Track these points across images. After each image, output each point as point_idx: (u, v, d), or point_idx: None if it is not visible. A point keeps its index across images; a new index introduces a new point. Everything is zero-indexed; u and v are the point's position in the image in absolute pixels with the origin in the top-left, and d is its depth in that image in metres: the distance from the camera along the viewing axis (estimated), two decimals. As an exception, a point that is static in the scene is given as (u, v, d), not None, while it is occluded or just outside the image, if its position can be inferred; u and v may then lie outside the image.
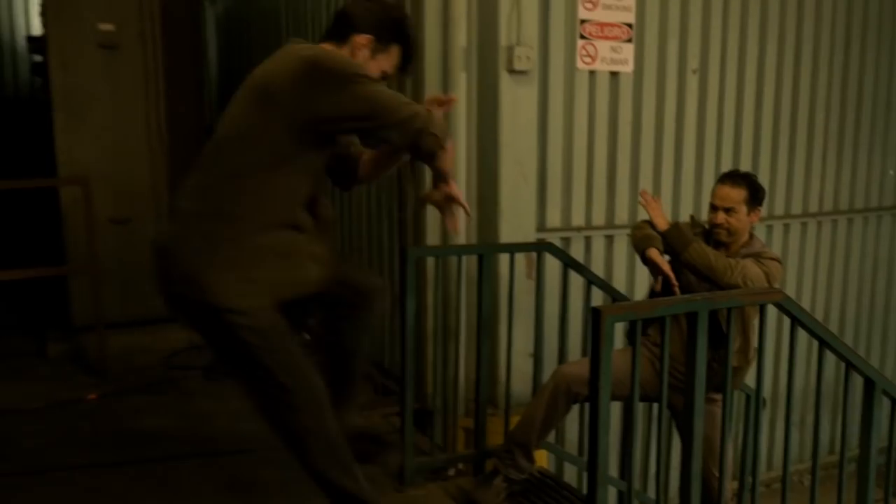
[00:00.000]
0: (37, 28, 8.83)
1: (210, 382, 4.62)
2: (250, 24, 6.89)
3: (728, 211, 3.13)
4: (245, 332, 2.22)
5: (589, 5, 4.04)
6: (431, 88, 3.80)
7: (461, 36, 3.74)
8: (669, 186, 4.46)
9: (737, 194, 3.12)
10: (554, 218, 4.12)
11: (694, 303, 2.19)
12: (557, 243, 3.78)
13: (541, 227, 4.05)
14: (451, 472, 3.51)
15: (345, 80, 2.13)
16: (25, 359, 5.00)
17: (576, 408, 3.47)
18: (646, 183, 4.34)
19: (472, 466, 3.50)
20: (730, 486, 3.00)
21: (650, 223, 3.23)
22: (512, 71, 3.71)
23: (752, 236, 3.24)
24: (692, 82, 4.43)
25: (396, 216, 4.22)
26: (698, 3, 4.37)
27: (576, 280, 3.73)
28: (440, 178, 2.29)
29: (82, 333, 5.09)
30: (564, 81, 4.03)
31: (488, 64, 3.74)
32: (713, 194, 3.20)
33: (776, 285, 3.08)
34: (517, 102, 3.77)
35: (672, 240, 3.11)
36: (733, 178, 3.20)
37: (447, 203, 2.32)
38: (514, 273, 3.44)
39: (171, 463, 3.52)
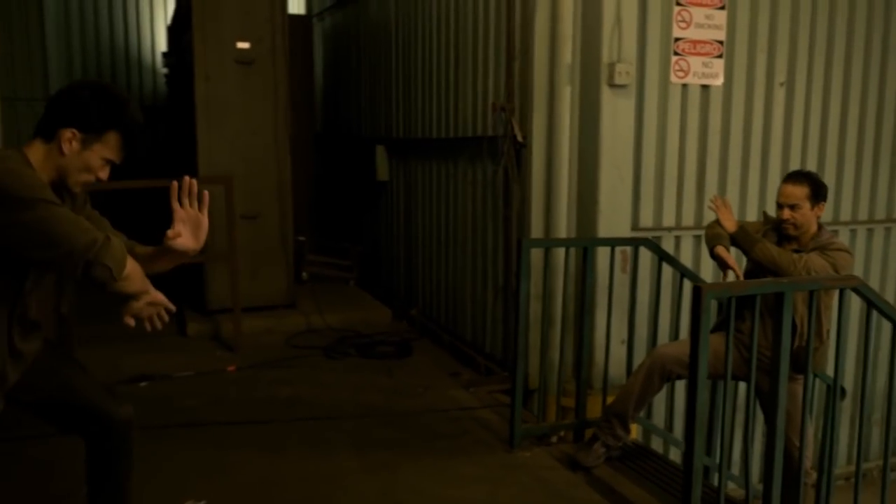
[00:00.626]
0: (162, 45, 9.71)
1: (330, 360, 5.20)
2: (358, 38, 7.48)
3: (793, 207, 3.41)
4: None
5: (683, 24, 4.42)
6: (540, 101, 4.27)
7: (567, 54, 4.19)
8: (756, 192, 4.78)
9: (800, 191, 3.41)
10: (647, 218, 4.51)
11: (781, 284, 2.57)
12: (650, 241, 4.17)
13: (634, 226, 4.45)
14: (554, 439, 3.95)
15: (16, 205, 1.99)
16: (169, 337, 5.67)
17: (664, 388, 3.86)
18: (733, 188, 4.68)
19: (573, 435, 3.93)
20: (810, 454, 3.33)
21: (720, 224, 3.59)
22: (612, 85, 4.12)
23: (820, 228, 3.49)
24: (779, 94, 4.74)
25: (502, 213, 4.69)
26: (786, 21, 4.69)
27: (666, 274, 4.12)
28: (130, 298, 2.18)
29: (216, 315, 5.75)
30: (659, 94, 4.42)
31: (591, 78, 4.17)
32: (779, 193, 3.51)
33: (844, 274, 3.33)
34: (616, 113, 4.18)
35: (740, 240, 3.47)
36: (796, 176, 3.50)
37: (148, 309, 2.23)
38: (613, 265, 3.86)
39: (307, 422, 4.08)
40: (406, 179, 6.38)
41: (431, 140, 5.75)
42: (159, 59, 9.79)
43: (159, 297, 2.25)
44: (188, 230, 2.27)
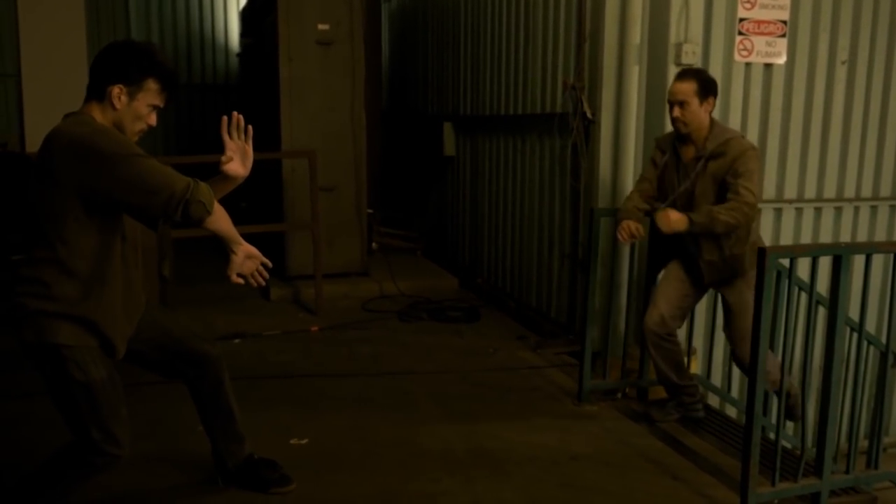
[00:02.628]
0: (233, 28, 10.14)
1: (404, 323, 5.56)
2: (426, 18, 7.77)
3: (682, 105, 3.47)
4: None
5: (748, 5, 4.60)
6: (609, 79, 4.51)
7: (636, 34, 4.42)
8: (815, 168, 4.95)
9: (687, 87, 3.48)
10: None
11: (839, 248, 2.81)
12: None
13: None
14: (619, 395, 4.24)
15: (115, 162, 2.28)
16: (253, 301, 6.12)
17: (723, 353, 4.12)
18: (793, 164, 4.85)
19: (636, 392, 4.22)
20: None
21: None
22: (679, 64, 4.33)
23: (713, 124, 3.54)
24: (841, 72, 4.89)
25: (570, 185, 4.96)
26: (850, 1, 4.83)
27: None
28: (227, 242, 2.44)
29: (296, 281, 6.17)
30: (723, 72, 4.61)
31: (658, 58, 4.39)
32: (668, 92, 3.61)
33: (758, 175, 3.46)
34: (681, 91, 4.40)
35: (696, 231, 3.45)
36: (683, 73, 3.57)
37: (248, 264, 2.49)
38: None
39: (389, 376, 4.45)
40: (472, 155, 6.67)
41: (499, 116, 6.02)
42: (231, 41, 10.23)
43: (253, 249, 2.50)
44: (238, 158, 2.53)
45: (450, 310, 5.82)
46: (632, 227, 3.65)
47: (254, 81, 7.86)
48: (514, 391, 4.27)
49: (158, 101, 2.49)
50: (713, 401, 4.33)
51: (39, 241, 2.41)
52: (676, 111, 3.52)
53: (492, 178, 6.27)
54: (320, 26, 5.97)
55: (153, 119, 2.51)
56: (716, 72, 4.57)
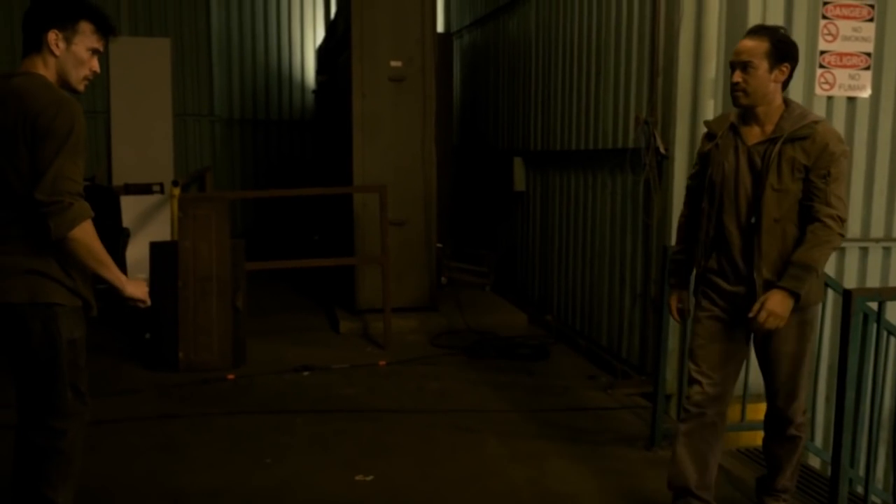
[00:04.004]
0: (310, 65, 10.43)
1: (472, 359, 5.52)
2: (497, 54, 7.82)
3: (745, 67, 2.73)
4: None
5: (829, 37, 4.46)
6: (682, 114, 4.43)
7: (711, 68, 4.33)
8: (904, 203, 4.73)
9: (755, 46, 2.72)
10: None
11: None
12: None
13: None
14: (693, 440, 4.07)
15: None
16: (323, 332, 6.19)
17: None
18: (879, 199, 4.64)
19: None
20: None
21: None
22: (756, 98, 4.23)
23: (787, 103, 2.81)
24: (930, 105, 4.67)
25: (642, 222, 4.86)
26: (940, 31, 4.62)
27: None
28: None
29: (365, 314, 6.21)
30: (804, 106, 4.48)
31: (734, 92, 4.29)
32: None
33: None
34: (759, 125, 4.28)
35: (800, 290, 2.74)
36: (755, 30, 2.82)
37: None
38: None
39: (455, 413, 4.40)
40: (543, 190, 6.63)
41: (571, 152, 5.98)
42: (308, 78, 10.52)
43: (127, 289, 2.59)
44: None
45: (519, 347, 5.75)
46: (674, 305, 3.17)
47: (328, 117, 8.05)
48: (584, 433, 4.16)
49: (97, 44, 2.51)
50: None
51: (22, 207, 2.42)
52: (738, 75, 2.75)
53: (562, 214, 6.21)
54: (393, 63, 6.08)
55: (95, 64, 2.53)
56: (796, 106, 4.43)
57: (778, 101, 2.80)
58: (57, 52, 2.46)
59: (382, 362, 5.38)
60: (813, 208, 2.72)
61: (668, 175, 4.58)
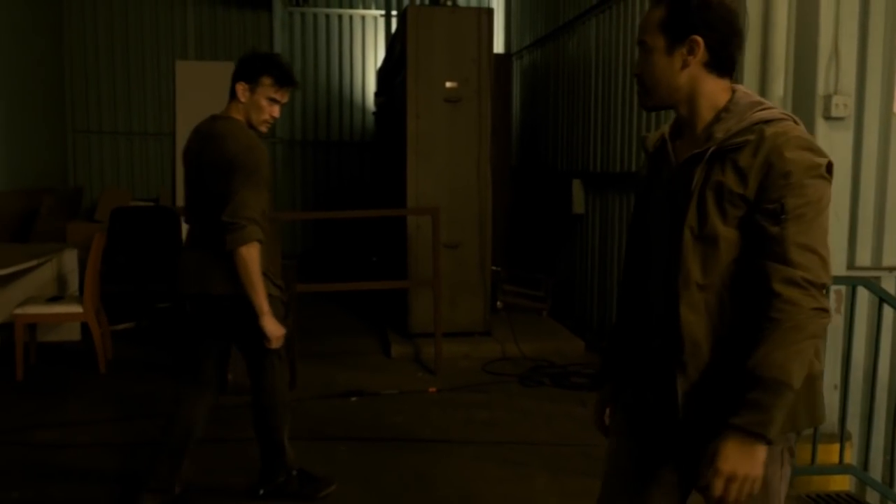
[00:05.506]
0: (370, 86, 10.47)
1: (525, 388, 5.33)
2: (557, 74, 7.67)
3: (642, 51, 1.79)
4: None
5: (910, 52, 4.16)
6: (747, 134, 4.19)
7: (779, 86, 4.09)
8: None
9: (648, 18, 1.77)
10: (864, 257, 4.25)
11: None
12: (869, 281, 3.93)
13: (850, 264, 4.21)
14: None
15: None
16: (374, 356, 6.10)
17: (883, 439, 3.61)
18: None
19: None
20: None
21: None
22: (828, 117, 3.97)
23: (735, 98, 1.74)
24: None
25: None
26: None
27: (887, 317, 3.87)
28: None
29: (417, 339, 6.10)
30: (879, 126, 4.18)
31: (804, 111, 4.03)
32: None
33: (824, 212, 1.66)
34: (832, 146, 4.00)
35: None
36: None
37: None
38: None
39: (504, 446, 4.23)
40: (602, 212, 6.42)
41: (630, 173, 5.77)
42: (368, 100, 10.56)
43: (273, 330, 3.17)
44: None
45: (574, 375, 5.54)
46: (597, 416, 2.16)
47: (386, 138, 8.02)
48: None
49: (274, 95, 3.08)
50: (872, 498, 3.81)
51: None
52: (638, 67, 1.84)
53: (621, 238, 5.99)
54: (448, 84, 5.99)
55: (275, 110, 3.12)
56: (871, 125, 4.17)
57: (708, 93, 1.73)
58: (243, 100, 3.09)
59: (433, 389, 5.24)
60: (764, 270, 1.61)
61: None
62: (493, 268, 6.87)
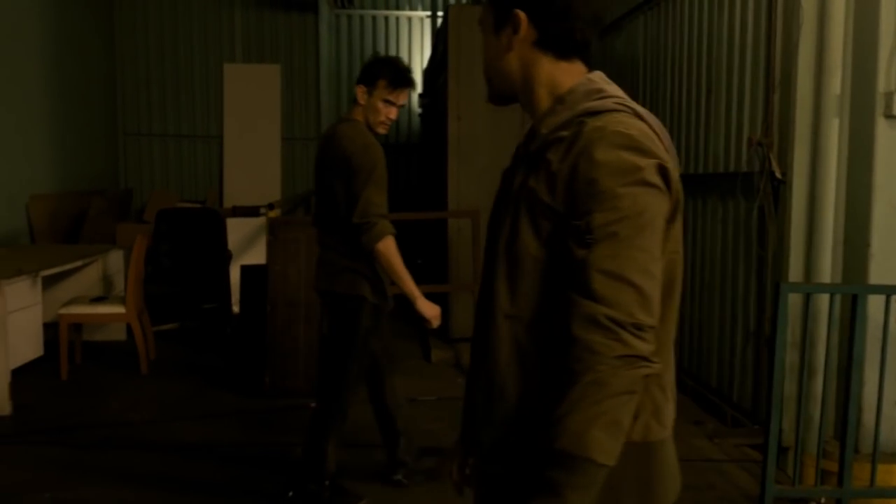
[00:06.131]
0: (417, 88, 10.40)
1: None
2: (604, 73, 7.46)
3: (480, 28, 1.51)
4: None
5: (980, 46, 3.89)
6: (802, 134, 3.97)
7: (835, 83, 3.86)
8: None
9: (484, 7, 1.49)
10: (927, 264, 4.00)
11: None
12: (935, 289, 3.68)
13: (912, 272, 3.96)
14: (811, 504, 3.59)
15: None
16: (414, 361, 6.01)
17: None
18: None
19: None
20: None
21: None
22: (889, 116, 3.73)
23: (579, 87, 1.38)
24: None
25: (756, 254, 4.40)
26: None
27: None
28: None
29: (458, 343, 5.99)
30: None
31: (864, 110, 3.80)
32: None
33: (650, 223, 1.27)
34: (893, 147, 3.77)
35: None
36: None
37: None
38: (888, 316, 3.46)
39: (543, 459, 4.08)
40: (650, 216, 6.21)
41: (679, 176, 5.56)
42: (414, 100, 10.50)
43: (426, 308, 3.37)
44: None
45: (618, 384, 5.35)
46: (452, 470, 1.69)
47: (430, 140, 7.94)
48: (685, 489, 3.72)
49: (389, 96, 3.19)
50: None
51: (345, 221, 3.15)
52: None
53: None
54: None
55: (392, 112, 3.22)
56: (938, 126, 3.89)
57: (546, 80, 1.40)
58: (362, 102, 3.22)
59: (471, 396, 5.12)
60: (569, 306, 1.24)
61: (784, 203, 4.12)
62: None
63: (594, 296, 1.20)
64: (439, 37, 6.85)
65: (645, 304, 1.21)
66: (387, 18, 10.53)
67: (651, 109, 5.02)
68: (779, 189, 4.17)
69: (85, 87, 8.62)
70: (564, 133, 1.30)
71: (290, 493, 3.44)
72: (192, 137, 9.83)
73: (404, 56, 10.63)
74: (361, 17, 10.47)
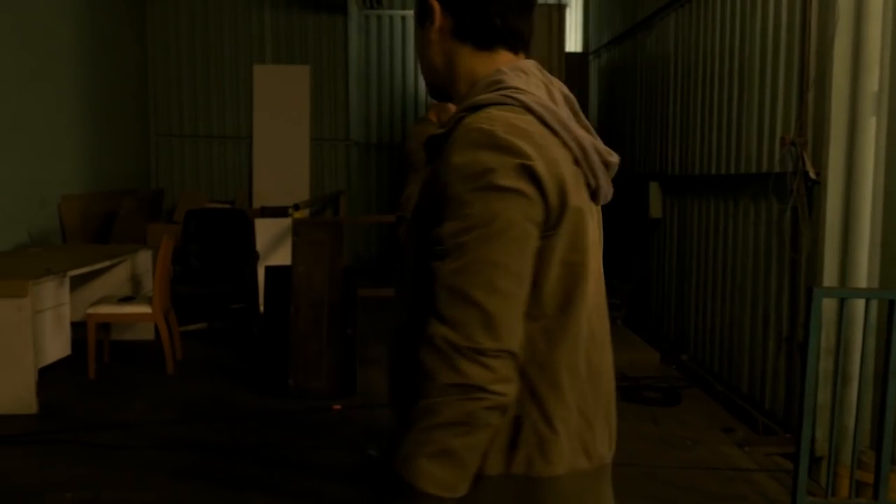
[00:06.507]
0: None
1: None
2: (634, 73, 7.36)
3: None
4: None
5: None
6: (837, 133, 3.85)
7: (872, 80, 3.73)
8: None
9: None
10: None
11: None
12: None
13: (955, 276, 3.81)
14: (845, 518, 3.46)
15: None
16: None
17: None
18: None
19: (869, 516, 3.42)
20: None
21: None
22: (930, 114, 3.59)
23: (488, 78, 1.31)
24: None
25: (789, 256, 4.27)
26: None
27: None
28: None
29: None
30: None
31: (903, 107, 3.67)
32: None
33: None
34: (934, 145, 3.63)
35: None
36: None
37: None
38: (927, 321, 3.32)
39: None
40: (680, 217, 6.09)
41: (710, 176, 5.43)
42: (444, 100, 10.45)
43: None
44: None
45: (646, 389, 5.25)
46: None
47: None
48: (711, 498, 3.65)
49: None
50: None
51: None
52: None
53: (700, 244, 5.65)
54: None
55: None
56: (982, 122, 3.74)
57: (465, 73, 1.33)
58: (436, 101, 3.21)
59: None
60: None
61: (819, 204, 3.99)
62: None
63: (438, 314, 1.11)
64: (467, 36, 6.79)
65: (490, 325, 1.09)
66: (416, 19, 10.50)
67: (683, 109, 4.93)
68: (813, 190, 4.03)
69: (118, 88, 8.72)
70: (443, 131, 1.23)
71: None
72: (222, 138, 9.89)
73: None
74: (391, 18, 10.45)
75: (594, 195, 1.28)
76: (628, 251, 7.44)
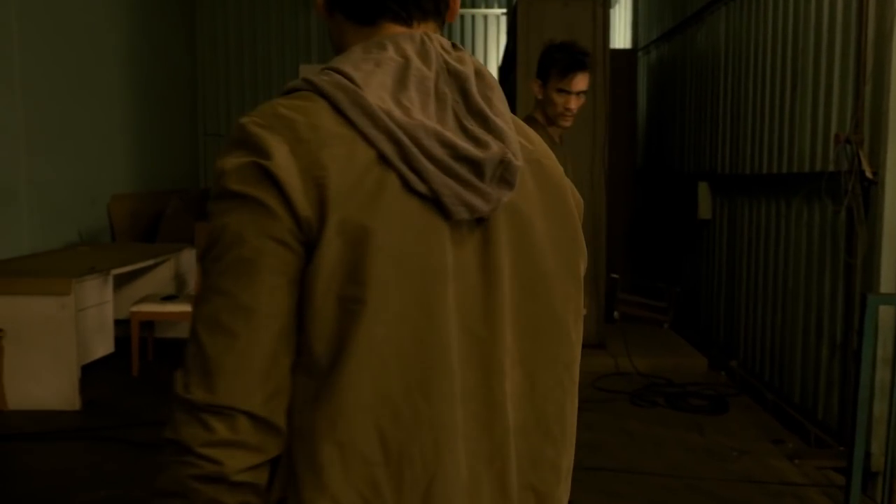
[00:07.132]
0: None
1: (636, 407, 4.93)
2: (684, 69, 7.15)
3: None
4: None
5: None
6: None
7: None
8: None
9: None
10: None
11: None
12: None
13: None
14: (901, 538, 3.26)
15: None
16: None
17: None
18: None
19: (928, 537, 3.21)
20: None
21: None
22: None
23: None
24: None
25: (843, 260, 4.06)
26: None
27: None
28: None
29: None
30: None
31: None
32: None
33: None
34: None
35: None
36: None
37: None
38: None
39: (603, 473, 3.87)
40: (730, 218, 5.88)
41: (761, 176, 5.22)
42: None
43: None
44: None
45: (692, 396, 5.08)
46: None
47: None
48: (757, 512, 3.48)
49: (562, 85, 2.96)
50: None
51: None
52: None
53: (751, 246, 5.44)
54: (560, 82, 5.66)
55: (567, 101, 2.96)
56: None
57: None
58: (539, 97, 3.06)
59: (535, 404, 4.94)
60: None
61: (876, 205, 3.78)
62: (612, 275, 6.48)
63: (184, 358, 0.93)
64: (510, 33, 6.69)
65: (206, 372, 0.89)
66: (462, 17, 10.41)
67: (733, 107, 4.76)
68: (869, 190, 3.82)
69: (167, 89, 8.84)
70: None
71: None
72: (269, 138, 9.96)
73: (479, 54, 10.50)
74: (437, 17, 10.39)
75: (440, 205, 0.92)
76: (676, 253, 7.24)
